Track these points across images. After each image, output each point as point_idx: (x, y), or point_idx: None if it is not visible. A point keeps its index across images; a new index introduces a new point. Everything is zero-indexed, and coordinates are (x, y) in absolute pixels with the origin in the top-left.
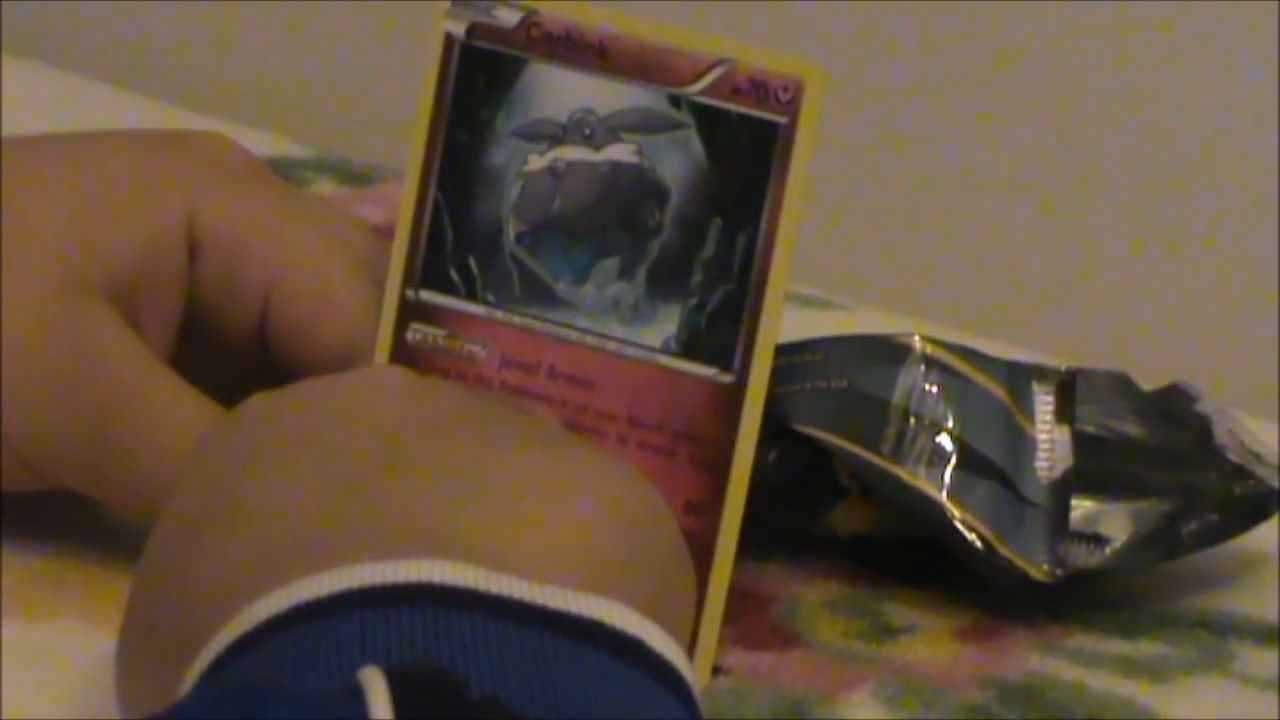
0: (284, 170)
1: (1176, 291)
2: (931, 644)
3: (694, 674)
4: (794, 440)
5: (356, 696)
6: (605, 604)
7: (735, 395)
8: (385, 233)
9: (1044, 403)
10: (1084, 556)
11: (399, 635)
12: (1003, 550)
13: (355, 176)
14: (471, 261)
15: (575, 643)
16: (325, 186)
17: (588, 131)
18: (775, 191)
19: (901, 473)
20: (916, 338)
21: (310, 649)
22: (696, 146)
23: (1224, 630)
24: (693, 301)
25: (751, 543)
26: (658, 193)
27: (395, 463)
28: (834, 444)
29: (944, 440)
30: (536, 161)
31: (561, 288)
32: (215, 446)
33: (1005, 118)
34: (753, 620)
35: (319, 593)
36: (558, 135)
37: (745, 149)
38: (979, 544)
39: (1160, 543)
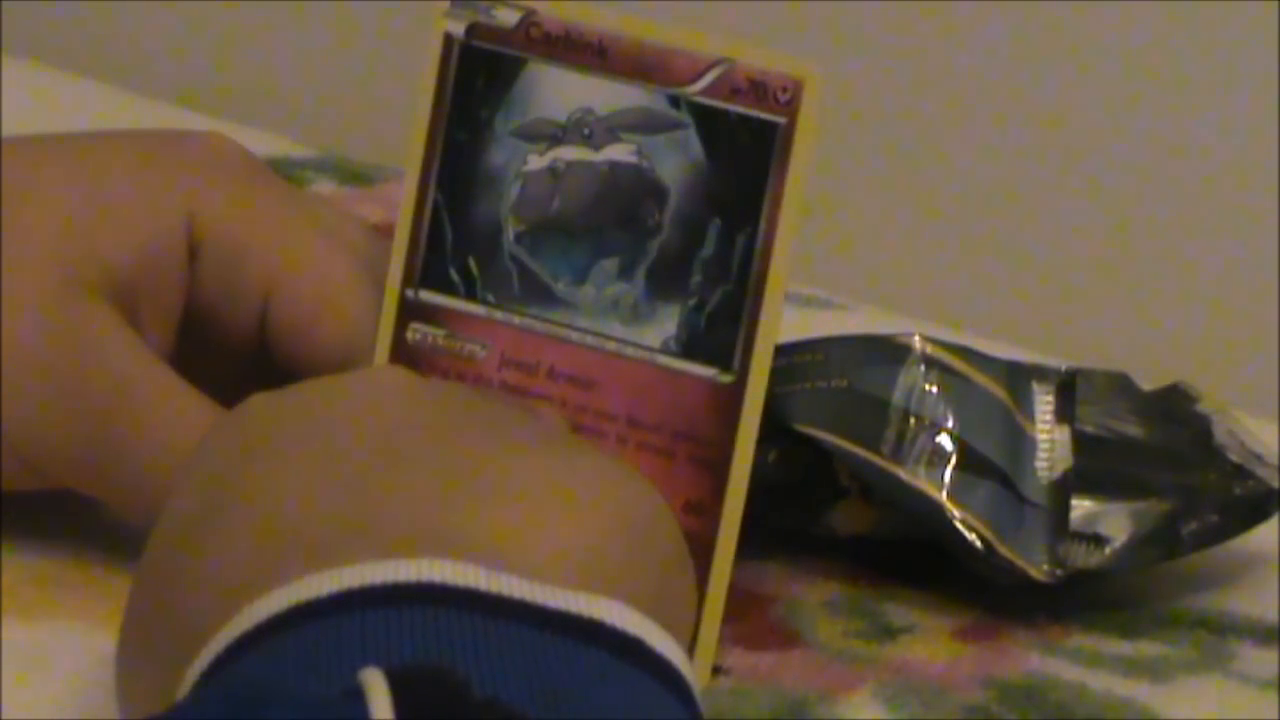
0: (284, 170)
1: (1176, 291)
2: (931, 644)
3: (694, 674)
4: (794, 440)
5: (357, 697)
6: (606, 604)
7: (735, 395)
8: (385, 232)
9: (1044, 403)
10: (1084, 556)
11: (400, 635)
12: (1003, 550)
13: (355, 176)
14: (471, 261)
15: (576, 642)
16: (325, 186)
17: (587, 131)
18: (774, 192)
19: (901, 473)
20: (916, 338)
21: (310, 649)
22: (696, 147)
23: (1224, 630)
24: (692, 301)
25: (751, 543)
26: (657, 193)
27: (395, 462)
28: (834, 444)
29: (944, 440)
30: (536, 161)
31: (561, 288)
32: (215, 446)
33: (1005, 118)
34: (753, 620)
35: (319, 592)
36: (557, 135)
37: (744, 149)
38: (979, 544)
39: (1160, 543)
